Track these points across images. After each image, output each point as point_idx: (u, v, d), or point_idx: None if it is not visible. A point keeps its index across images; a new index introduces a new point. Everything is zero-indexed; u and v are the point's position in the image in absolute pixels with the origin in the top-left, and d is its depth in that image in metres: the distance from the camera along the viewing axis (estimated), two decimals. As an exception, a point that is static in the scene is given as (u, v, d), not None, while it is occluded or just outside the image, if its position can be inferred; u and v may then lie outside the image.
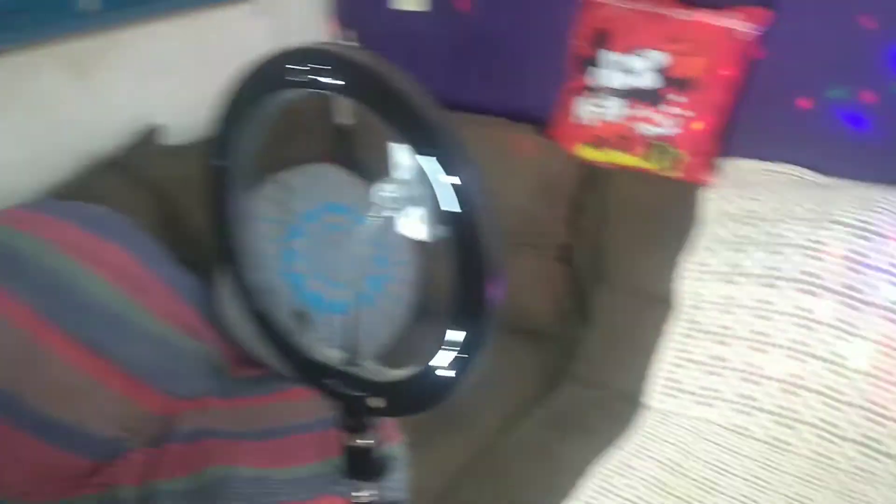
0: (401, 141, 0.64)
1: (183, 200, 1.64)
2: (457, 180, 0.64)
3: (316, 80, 0.66)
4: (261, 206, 1.66)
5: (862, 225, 1.39)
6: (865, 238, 1.38)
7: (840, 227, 1.40)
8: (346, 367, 0.77)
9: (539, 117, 1.81)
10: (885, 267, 1.35)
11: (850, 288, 1.37)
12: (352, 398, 0.76)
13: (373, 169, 1.90)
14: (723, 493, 1.26)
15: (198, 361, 1.56)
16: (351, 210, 1.65)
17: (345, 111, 1.95)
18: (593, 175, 1.75)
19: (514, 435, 1.49)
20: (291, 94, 0.70)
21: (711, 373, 1.45)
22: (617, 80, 1.61)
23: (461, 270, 0.66)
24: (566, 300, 1.74)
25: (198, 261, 1.64)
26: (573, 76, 1.70)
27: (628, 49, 1.59)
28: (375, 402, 0.75)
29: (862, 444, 1.30)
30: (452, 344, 0.67)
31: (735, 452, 1.36)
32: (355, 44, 2.09)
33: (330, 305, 1.59)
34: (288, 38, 1.78)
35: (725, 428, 1.41)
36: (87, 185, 1.54)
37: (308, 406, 1.52)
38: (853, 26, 1.45)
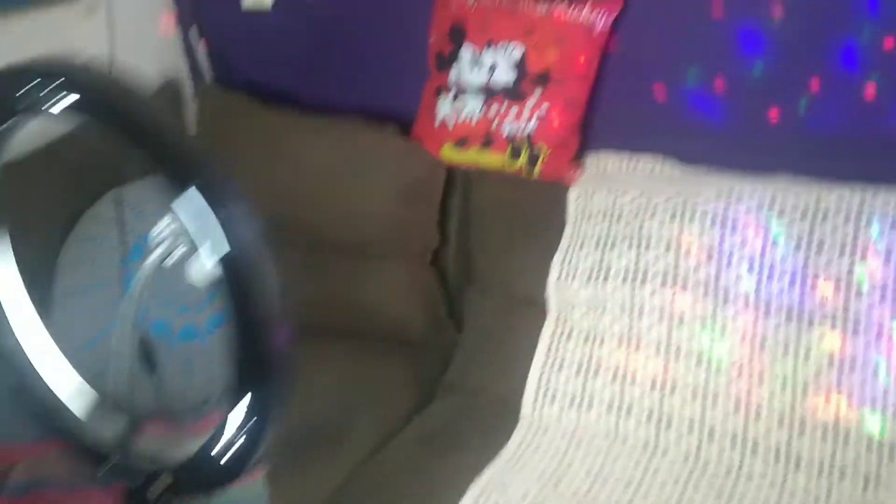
0: (155, 170, 0.54)
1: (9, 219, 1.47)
2: (222, 216, 0.53)
3: (46, 98, 0.55)
4: (93, 229, 1.52)
5: (720, 217, 1.36)
6: (724, 229, 1.35)
7: (699, 219, 1.37)
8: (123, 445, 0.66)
9: (404, 117, 1.72)
10: (744, 258, 1.32)
11: (714, 280, 1.33)
12: (134, 484, 0.65)
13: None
14: (599, 504, 1.21)
15: (21, 402, 1.41)
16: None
17: (209, 112, 1.81)
18: (458, 177, 1.68)
19: (389, 453, 1.43)
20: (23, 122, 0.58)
21: (585, 376, 1.40)
22: (476, 76, 1.55)
23: (238, 319, 0.56)
24: (440, 307, 1.66)
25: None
26: (433, 74, 1.62)
27: (485, 44, 1.52)
28: (161, 483, 0.64)
29: (733, 440, 1.27)
30: (239, 408, 0.57)
31: (612, 458, 1.32)
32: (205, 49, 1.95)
33: (180, 335, 1.47)
34: (127, 40, 1.67)
35: (601, 433, 1.36)
36: None
37: (165, 442, 1.39)
38: (703, 11, 1.42)
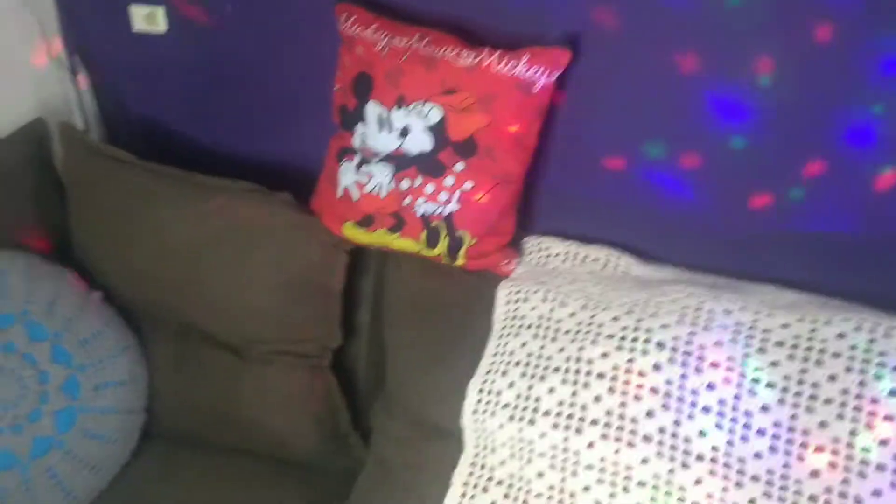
0: None
1: None
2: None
3: None
4: None
5: (682, 349, 1.01)
6: (686, 367, 1.00)
7: (654, 351, 1.02)
8: None
9: (310, 175, 1.37)
10: (711, 407, 0.98)
11: (673, 436, 0.99)
12: None
13: (89, 254, 1.45)
14: None
15: None
16: (21, 319, 1.18)
17: (71, 161, 1.47)
18: (371, 257, 1.34)
19: None
20: None
21: (501, 543, 1.06)
22: (384, 141, 1.20)
23: None
24: (341, 421, 1.32)
25: None
26: (338, 131, 1.27)
27: (395, 101, 1.17)
28: None
29: None
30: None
31: None
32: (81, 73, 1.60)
33: None
34: None
35: None
36: None
37: None
38: (670, 68, 1.07)
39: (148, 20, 1.48)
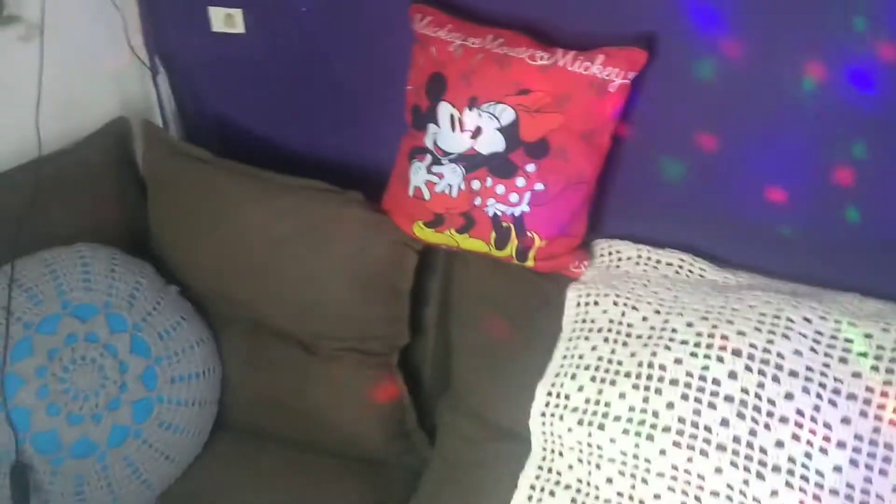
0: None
1: None
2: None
3: None
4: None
5: (759, 357, 0.99)
6: (763, 376, 0.98)
7: (734, 358, 1.00)
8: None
9: (383, 175, 1.38)
10: (789, 417, 0.95)
11: (748, 446, 0.97)
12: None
13: (167, 249, 1.49)
14: None
15: None
16: (103, 310, 1.22)
17: (152, 159, 1.51)
18: (439, 257, 1.34)
19: None
20: None
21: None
22: (456, 141, 1.20)
23: None
24: (407, 418, 1.33)
25: None
26: (410, 131, 1.28)
27: (468, 101, 1.17)
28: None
29: None
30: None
31: None
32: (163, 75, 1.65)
33: (71, 450, 1.16)
34: (77, 65, 1.37)
35: None
36: None
37: None
38: (758, 62, 1.05)
39: (227, 21, 1.52)
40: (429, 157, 1.25)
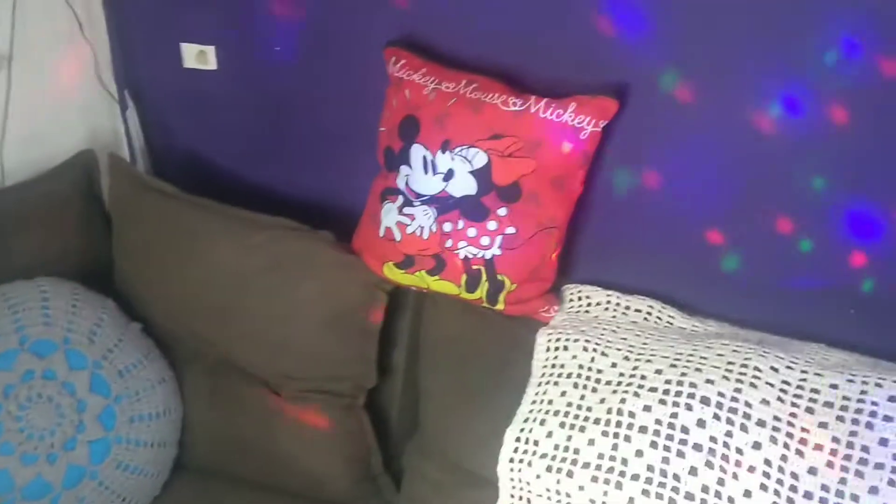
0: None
1: None
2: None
3: None
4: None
5: (730, 405, 0.99)
6: (731, 426, 0.98)
7: (702, 406, 1.00)
8: None
9: (350, 214, 1.37)
10: (759, 467, 0.95)
11: (716, 496, 0.97)
12: None
13: (131, 285, 1.46)
14: None
15: None
16: (62, 346, 1.18)
17: (118, 192, 1.48)
18: (410, 298, 1.33)
19: None
20: None
21: None
22: (428, 183, 1.20)
23: None
24: (373, 462, 1.30)
25: None
26: (382, 171, 1.28)
27: (441, 144, 1.18)
28: None
29: None
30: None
31: None
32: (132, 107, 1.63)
33: (24, 491, 1.12)
34: (45, 97, 1.35)
35: None
36: None
37: None
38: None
39: (199, 58, 1.51)
40: (400, 199, 1.25)
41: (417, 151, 1.22)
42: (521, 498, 1.12)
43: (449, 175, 1.20)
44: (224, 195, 1.45)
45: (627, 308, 1.22)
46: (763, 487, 0.97)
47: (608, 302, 1.24)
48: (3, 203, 1.36)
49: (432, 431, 1.28)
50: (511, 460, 1.12)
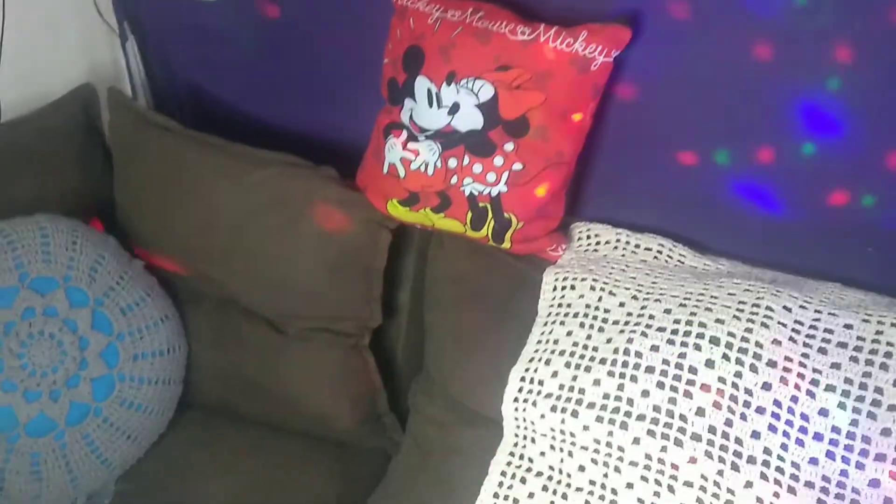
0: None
1: None
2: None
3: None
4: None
5: (737, 346, 0.96)
6: (741, 365, 0.95)
7: (711, 346, 0.97)
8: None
9: (355, 149, 1.34)
10: (765, 408, 0.93)
11: (723, 436, 0.95)
12: None
13: (133, 222, 1.44)
14: None
15: None
16: (63, 284, 1.17)
17: (118, 127, 1.45)
18: (415, 237, 1.31)
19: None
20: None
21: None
22: (433, 117, 1.16)
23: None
24: (377, 401, 1.29)
25: None
26: (386, 105, 1.24)
27: (446, 76, 1.13)
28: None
29: None
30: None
31: None
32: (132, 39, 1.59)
33: (28, 427, 1.12)
34: (41, 30, 1.30)
35: None
36: None
37: None
38: (746, 58, 1.01)
39: (200, -14, 1.46)
40: (405, 133, 1.21)
41: (422, 84, 1.18)
42: (525, 437, 1.11)
43: (454, 108, 1.16)
44: (226, 130, 1.41)
45: (637, 247, 1.19)
46: (772, 429, 0.95)
47: (617, 240, 1.21)
48: (1, 139, 1.32)
49: (436, 371, 1.27)
50: (515, 400, 1.11)
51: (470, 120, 1.15)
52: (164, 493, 1.28)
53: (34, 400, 1.18)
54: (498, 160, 1.15)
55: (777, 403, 0.96)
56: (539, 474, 1.10)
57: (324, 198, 1.28)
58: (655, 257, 1.17)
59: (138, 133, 1.42)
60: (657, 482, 1.00)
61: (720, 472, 0.96)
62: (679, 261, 1.16)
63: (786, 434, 0.95)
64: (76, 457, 1.21)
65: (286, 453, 1.35)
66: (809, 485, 0.93)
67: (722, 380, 0.98)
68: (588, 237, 1.22)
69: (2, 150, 1.33)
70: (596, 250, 1.20)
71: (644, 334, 1.04)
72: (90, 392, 1.22)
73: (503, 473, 1.11)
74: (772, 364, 0.97)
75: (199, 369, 1.37)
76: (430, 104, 1.17)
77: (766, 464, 0.95)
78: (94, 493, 1.29)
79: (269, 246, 1.28)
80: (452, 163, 1.17)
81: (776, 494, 0.94)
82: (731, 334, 0.99)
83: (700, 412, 0.98)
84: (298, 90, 1.48)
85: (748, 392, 0.97)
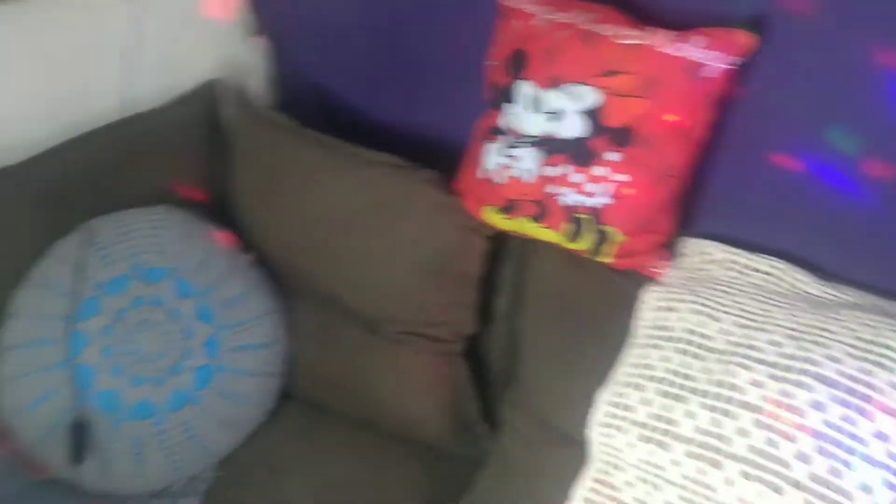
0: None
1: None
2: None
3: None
4: (50, 271, 1.24)
5: (851, 385, 0.87)
6: (852, 408, 0.86)
7: (821, 385, 0.88)
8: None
9: (459, 152, 1.32)
10: (878, 457, 0.83)
11: (827, 486, 0.86)
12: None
13: (245, 217, 1.48)
14: None
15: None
16: (171, 275, 1.21)
17: (239, 125, 1.50)
18: (513, 246, 1.27)
19: None
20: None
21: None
22: (533, 123, 1.12)
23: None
24: (469, 409, 1.27)
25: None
26: (487, 111, 1.21)
27: (551, 80, 1.09)
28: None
29: None
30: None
31: None
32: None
33: (131, 411, 1.17)
34: (176, 24, 1.37)
35: None
36: None
37: None
38: (864, 61, 0.91)
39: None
40: (505, 139, 1.17)
41: (524, 88, 1.14)
42: (610, 464, 1.05)
43: (557, 115, 1.11)
44: (346, 130, 1.42)
45: (749, 268, 1.10)
46: (889, 485, 0.85)
47: (728, 260, 1.12)
48: (128, 131, 1.39)
49: (528, 385, 1.23)
50: (603, 424, 1.05)
51: (572, 127, 1.10)
52: (256, 482, 1.31)
53: (139, 385, 1.23)
54: (600, 170, 1.10)
55: (892, 456, 0.86)
56: (624, 504, 1.04)
57: (422, 201, 1.26)
58: (770, 281, 1.08)
59: (258, 130, 1.46)
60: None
61: (824, 526, 0.87)
62: (796, 286, 1.06)
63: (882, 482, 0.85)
64: (174, 441, 1.26)
65: (376, 454, 1.35)
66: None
67: (830, 424, 0.88)
68: (696, 255, 1.14)
69: (131, 141, 1.40)
70: (703, 270, 1.12)
71: (746, 367, 0.95)
72: (192, 380, 1.27)
73: (586, 500, 1.06)
74: (889, 411, 0.86)
75: (298, 364, 1.40)
76: (532, 109, 1.13)
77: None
78: (194, 477, 1.33)
79: (369, 246, 1.28)
80: (552, 171, 1.13)
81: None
82: (843, 374, 0.89)
83: (803, 458, 0.90)
84: (408, 88, 1.48)
85: (860, 440, 0.87)
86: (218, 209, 1.47)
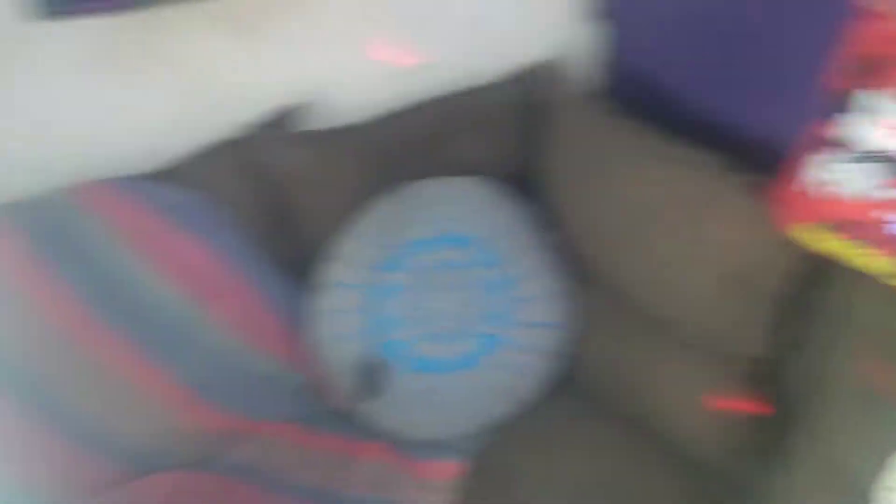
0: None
1: (298, 195, 1.44)
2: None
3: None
4: (368, 223, 1.40)
5: None
6: None
7: None
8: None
9: (778, 157, 1.22)
10: None
11: None
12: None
13: (554, 198, 1.50)
14: None
15: (270, 380, 1.40)
16: (476, 243, 1.30)
17: (563, 108, 1.55)
18: (818, 272, 1.15)
19: None
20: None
21: None
22: (873, 138, 1.00)
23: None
24: (751, 437, 1.20)
25: (308, 267, 1.45)
26: (819, 120, 1.10)
27: (903, 93, 0.96)
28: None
29: None
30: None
31: None
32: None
33: (415, 363, 1.30)
34: (518, 5, 1.45)
35: None
36: (191, 167, 1.41)
37: (379, 473, 1.31)
38: None
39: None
40: (836, 152, 1.06)
41: (869, 98, 1.01)
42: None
43: (903, 132, 0.97)
44: (669, 122, 1.39)
45: None
46: None
47: None
48: (458, 104, 1.48)
49: (817, 426, 1.11)
50: (889, 489, 0.91)
51: (919, 148, 0.96)
52: (522, 458, 1.34)
53: (426, 341, 1.33)
54: (945, 202, 0.94)
55: None
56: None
57: (734, 206, 1.19)
58: None
59: (578, 114, 1.48)
60: None
61: None
62: None
63: None
64: (454, 400, 1.33)
65: (644, 461, 1.31)
66: None
67: None
68: None
69: (459, 115, 1.49)
70: None
71: None
72: (476, 346, 1.33)
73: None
74: None
75: (581, 350, 1.40)
76: (875, 122, 1.00)
77: None
78: (466, 436, 1.40)
79: (663, 244, 1.24)
80: (885, 193, 0.99)
81: None
82: None
83: None
84: (736, 89, 1.39)
85: None
86: (528, 186, 1.51)
